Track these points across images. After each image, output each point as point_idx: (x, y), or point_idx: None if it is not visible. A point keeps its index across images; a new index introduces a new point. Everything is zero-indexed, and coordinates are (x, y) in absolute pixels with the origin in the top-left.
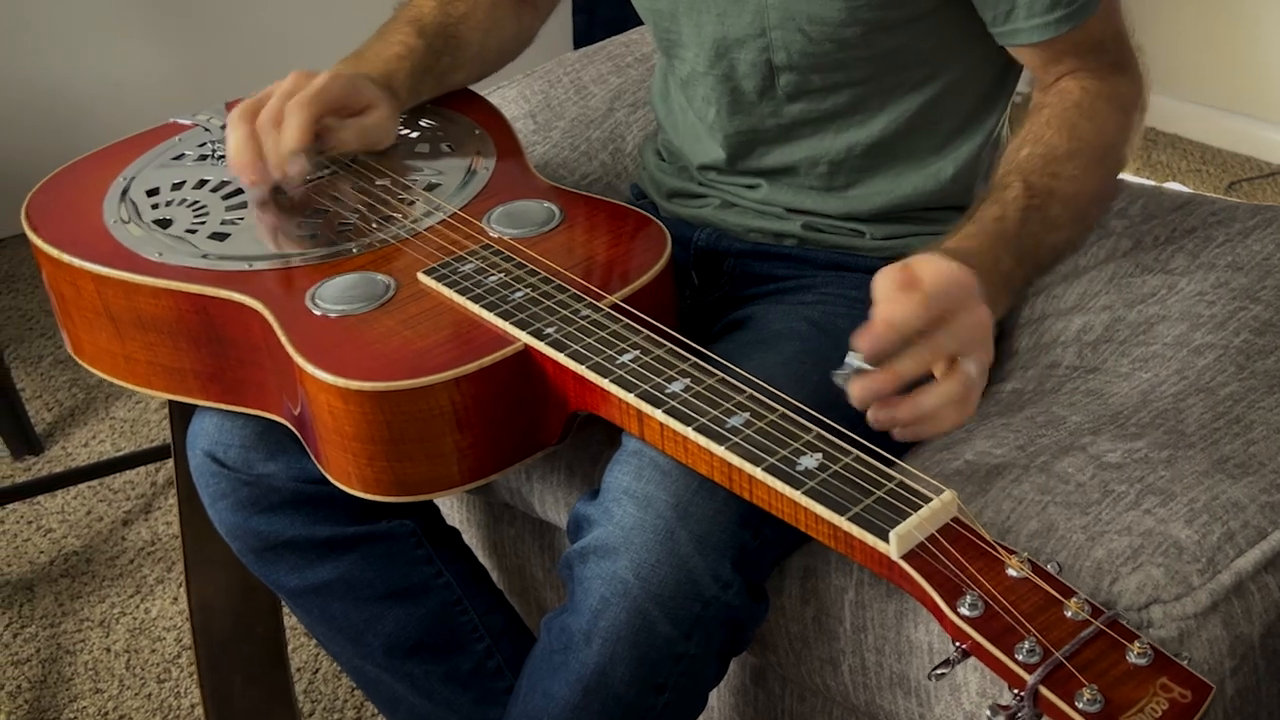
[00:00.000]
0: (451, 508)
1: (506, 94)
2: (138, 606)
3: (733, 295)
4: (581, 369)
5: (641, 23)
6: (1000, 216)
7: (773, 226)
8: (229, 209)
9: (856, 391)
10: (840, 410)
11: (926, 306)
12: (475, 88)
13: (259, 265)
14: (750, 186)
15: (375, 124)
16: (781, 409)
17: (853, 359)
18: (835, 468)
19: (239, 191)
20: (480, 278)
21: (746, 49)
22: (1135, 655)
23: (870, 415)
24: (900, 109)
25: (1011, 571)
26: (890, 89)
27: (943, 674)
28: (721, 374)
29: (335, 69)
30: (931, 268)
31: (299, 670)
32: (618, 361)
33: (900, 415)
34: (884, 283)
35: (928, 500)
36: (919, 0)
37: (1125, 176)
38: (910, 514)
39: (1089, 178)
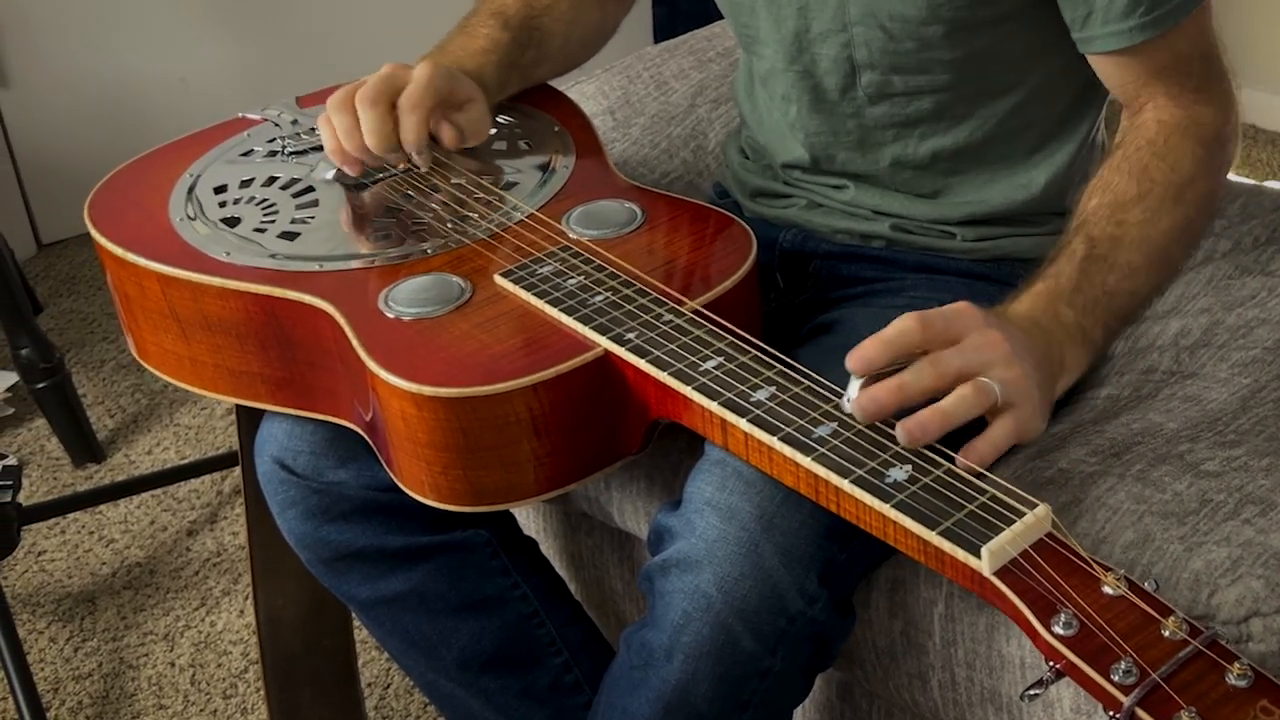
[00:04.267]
0: (528, 517)
1: (585, 89)
2: (203, 619)
3: (819, 298)
4: (663, 376)
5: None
6: (1056, 274)
7: (860, 227)
8: (299, 207)
9: (858, 401)
10: None
11: (918, 321)
12: (554, 83)
13: (330, 266)
14: (837, 187)
15: (478, 119)
16: None
17: (852, 383)
18: (926, 480)
19: (310, 189)
20: (559, 280)
21: (827, 44)
22: (1235, 677)
23: (904, 430)
24: (985, 115)
25: (1107, 589)
26: (974, 95)
27: (1036, 694)
28: (808, 382)
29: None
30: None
31: (370, 685)
32: (701, 368)
33: (926, 418)
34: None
35: (1021, 514)
36: (1001, 2)
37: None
38: (1003, 529)
39: (1162, 217)
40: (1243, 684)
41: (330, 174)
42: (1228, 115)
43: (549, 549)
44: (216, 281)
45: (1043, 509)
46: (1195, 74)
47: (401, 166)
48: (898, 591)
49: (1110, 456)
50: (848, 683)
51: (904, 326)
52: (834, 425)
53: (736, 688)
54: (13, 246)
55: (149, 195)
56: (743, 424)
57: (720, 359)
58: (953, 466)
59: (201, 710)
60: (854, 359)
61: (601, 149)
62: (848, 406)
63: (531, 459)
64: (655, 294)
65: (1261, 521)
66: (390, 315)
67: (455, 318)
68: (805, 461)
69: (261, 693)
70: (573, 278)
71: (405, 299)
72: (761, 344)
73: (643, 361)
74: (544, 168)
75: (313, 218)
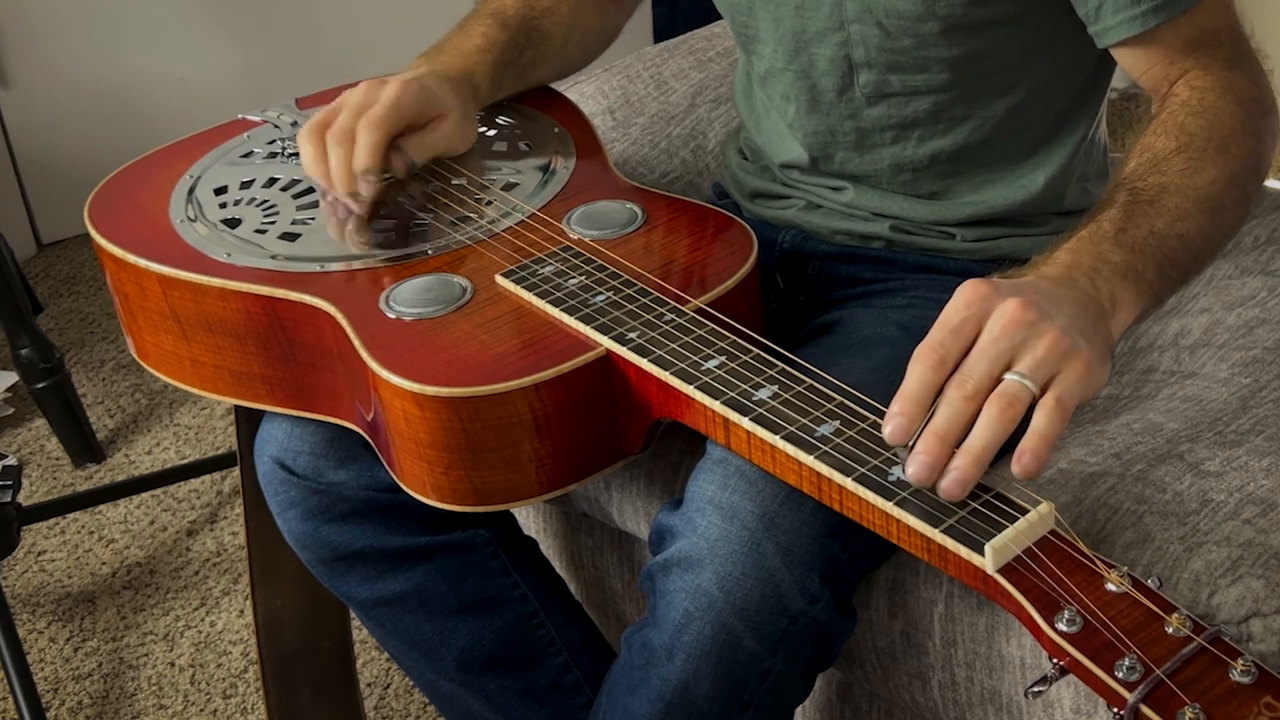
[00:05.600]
0: (528, 517)
1: (584, 89)
2: (203, 619)
3: (819, 299)
4: (665, 375)
5: None
6: (1096, 219)
7: (859, 228)
8: (300, 208)
9: (911, 474)
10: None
11: (929, 354)
12: (553, 83)
13: (331, 267)
14: (835, 189)
15: (442, 137)
16: (873, 417)
17: (899, 450)
18: None
19: (310, 190)
20: (560, 280)
21: (825, 44)
22: (1239, 673)
23: (942, 490)
24: (984, 116)
25: (1111, 586)
26: (973, 96)
27: (1040, 692)
28: (810, 380)
29: (414, 64)
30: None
31: (369, 685)
32: (703, 368)
33: (961, 470)
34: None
35: (1024, 512)
36: (1000, 3)
37: None
38: (1006, 526)
39: (1206, 167)
40: (1246, 680)
41: None
42: (1263, 88)
43: (549, 549)
44: (217, 282)
45: (1045, 506)
46: (1225, 46)
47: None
48: (898, 591)
49: (1110, 456)
50: (848, 683)
51: (922, 373)
52: (836, 424)
53: (738, 687)
54: (13, 246)
55: (149, 196)
56: (745, 423)
57: (722, 358)
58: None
59: (201, 710)
60: (890, 429)
61: (601, 149)
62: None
63: (533, 459)
64: (656, 294)
65: (1261, 521)
66: (391, 316)
67: (456, 318)
68: (808, 460)
69: (261, 693)
70: (574, 278)
71: (406, 299)
72: (764, 341)
73: (645, 361)
74: (544, 168)
75: (313, 219)
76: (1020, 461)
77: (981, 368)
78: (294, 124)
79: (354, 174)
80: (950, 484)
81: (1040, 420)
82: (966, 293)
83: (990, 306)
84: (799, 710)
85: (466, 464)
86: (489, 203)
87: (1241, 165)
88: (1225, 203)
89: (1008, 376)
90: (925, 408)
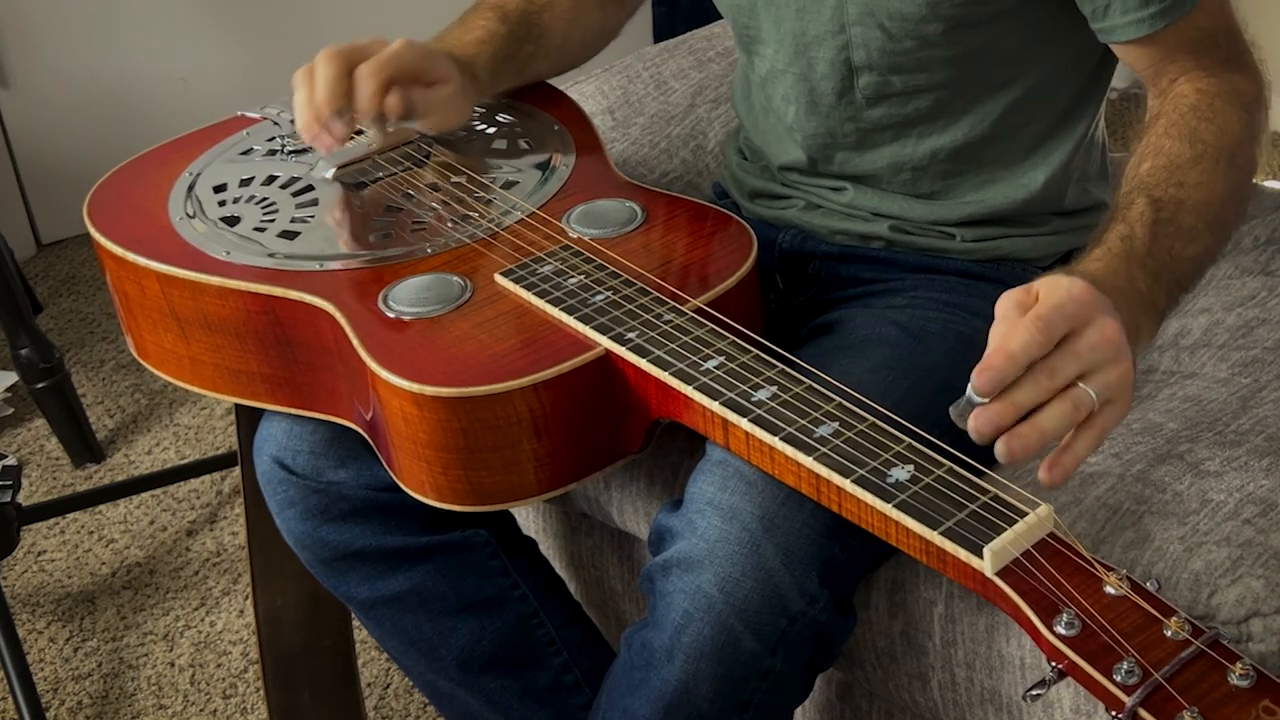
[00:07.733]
0: (527, 517)
1: (584, 89)
2: (203, 619)
3: (819, 299)
4: (664, 375)
5: None
6: (1128, 235)
7: (859, 229)
8: (299, 206)
9: (976, 425)
10: (931, 420)
11: (1042, 329)
12: (554, 82)
13: (330, 265)
14: (835, 189)
15: (445, 98)
16: (871, 419)
17: (971, 395)
18: (928, 480)
19: (309, 188)
20: (560, 280)
21: (825, 46)
22: (1237, 677)
23: (999, 450)
24: (984, 113)
25: (1109, 589)
26: (973, 93)
27: (1039, 694)
28: (810, 381)
29: None
30: (1049, 287)
31: (369, 685)
32: (702, 368)
33: (1025, 438)
34: (1004, 304)
35: (1023, 514)
36: None
37: None
38: (1005, 529)
39: (1218, 181)
40: (1245, 684)
41: (330, 173)
42: (1260, 84)
43: (549, 549)
44: (216, 281)
45: (1044, 509)
46: (1223, 46)
47: (401, 167)
48: (898, 592)
49: (1110, 456)
50: (848, 683)
51: (1029, 339)
52: (835, 425)
53: (737, 688)
54: (13, 246)
55: (148, 194)
56: (744, 424)
57: (721, 358)
58: (954, 467)
59: (201, 710)
60: (983, 379)
61: (601, 148)
62: (955, 416)
63: (532, 459)
64: (656, 293)
65: (1261, 521)
66: (390, 315)
67: (456, 317)
68: (807, 461)
69: (261, 693)
70: (573, 277)
71: (406, 298)
72: (764, 342)
73: (644, 361)
74: (544, 167)
75: (312, 217)
76: (1050, 472)
77: (1071, 369)
78: (293, 121)
79: (334, 101)
80: (1014, 447)
81: (1081, 444)
82: (1080, 290)
83: (1094, 315)
84: (799, 710)
85: (465, 464)
86: (488, 201)
87: (1245, 176)
88: (1229, 215)
89: (1083, 385)
90: (1020, 370)
